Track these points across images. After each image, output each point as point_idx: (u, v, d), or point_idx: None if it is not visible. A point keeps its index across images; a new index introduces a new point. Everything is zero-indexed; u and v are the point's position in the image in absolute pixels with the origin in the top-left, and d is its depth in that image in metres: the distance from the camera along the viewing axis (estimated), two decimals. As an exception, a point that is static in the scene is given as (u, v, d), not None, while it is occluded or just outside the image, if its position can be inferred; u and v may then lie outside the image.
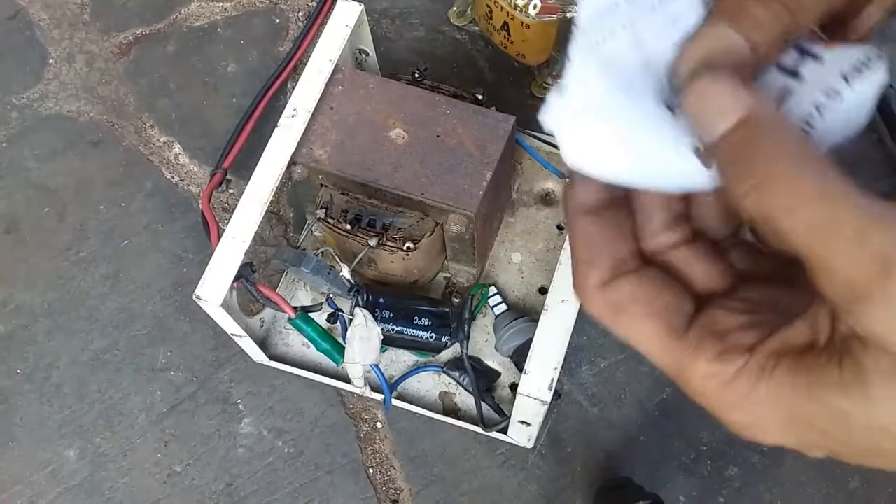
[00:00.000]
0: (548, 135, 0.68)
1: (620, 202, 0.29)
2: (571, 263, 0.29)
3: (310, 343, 0.59)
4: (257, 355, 0.64)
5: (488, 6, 0.69)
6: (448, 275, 0.66)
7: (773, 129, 0.23)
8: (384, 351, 0.63)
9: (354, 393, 0.65)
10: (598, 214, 0.29)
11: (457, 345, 0.62)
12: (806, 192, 0.22)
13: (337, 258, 0.59)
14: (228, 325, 0.57)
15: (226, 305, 0.54)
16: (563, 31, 0.66)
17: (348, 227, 0.58)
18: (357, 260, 0.59)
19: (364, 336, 0.56)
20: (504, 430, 0.60)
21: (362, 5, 0.62)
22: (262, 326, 0.65)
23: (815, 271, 0.22)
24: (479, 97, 0.62)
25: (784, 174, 0.22)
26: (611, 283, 0.28)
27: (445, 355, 0.64)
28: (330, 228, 0.59)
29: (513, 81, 0.75)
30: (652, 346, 0.27)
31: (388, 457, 0.64)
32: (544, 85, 0.73)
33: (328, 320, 0.62)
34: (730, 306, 0.27)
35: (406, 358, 0.64)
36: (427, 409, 0.63)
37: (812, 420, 0.24)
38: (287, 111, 0.59)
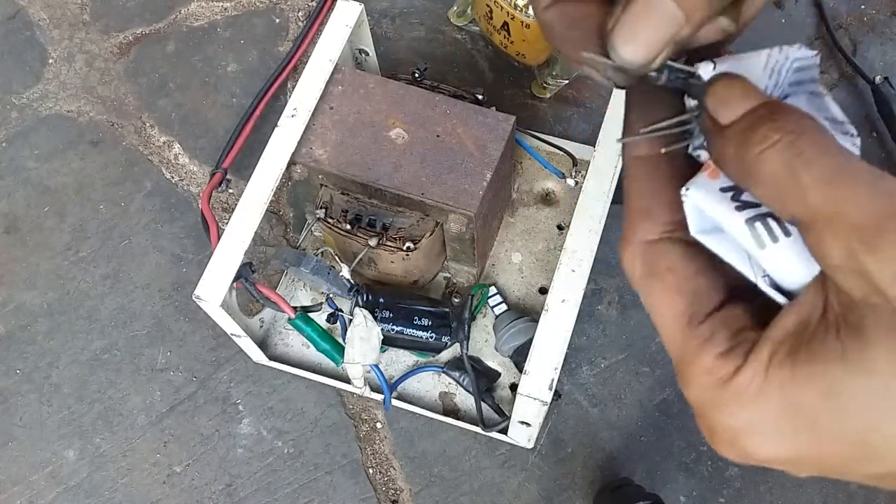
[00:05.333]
0: (548, 135, 0.68)
1: (680, 160, 0.28)
2: (625, 210, 0.28)
3: (309, 343, 0.59)
4: (257, 355, 0.64)
5: (488, 6, 0.69)
6: (448, 275, 0.66)
7: (788, 107, 0.24)
8: (384, 351, 0.63)
9: (354, 393, 0.64)
10: (659, 166, 0.28)
11: (457, 345, 0.62)
12: (823, 148, 0.23)
13: (337, 258, 0.59)
14: (228, 325, 0.57)
15: (225, 305, 0.54)
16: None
17: (348, 227, 0.58)
18: (357, 260, 0.59)
19: (364, 336, 0.56)
20: (504, 431, 0.60)
21: (362, 5, 0.62)
22: (261, 326, 0.65)
23: (821, 232, 0.22)
24: (479, 97, 0.62)
25: (805, 132, 0.23)
26: (658, 242, 0.27)
27: (445, 355, 0.64)
28: (330, 228, 0.59)
29: (513, 81, 0.75)
30: (666, 324, 0.27)
31: (388, 457, 0.64)
32: (544, 85, 0.73)
33: (328, 320, 0.62)
34: (755, 306, 0.26)
35: (406, 358, 0.64)
36: (427, 409, 0.63)
37: (807, 406, 0.23)
38: (287, 111, 0.59)
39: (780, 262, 0.25)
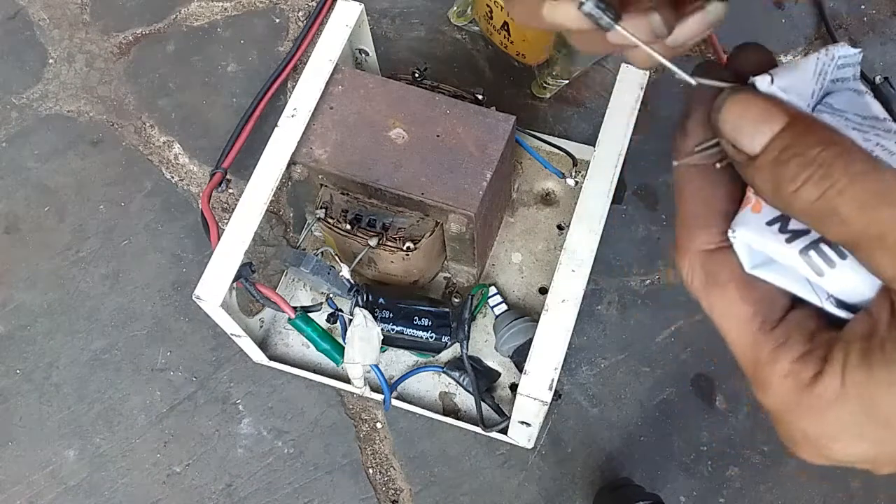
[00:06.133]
0: (548, 135, 0.68)
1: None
2: (679, 217, 0.28)
3: (309, 343, 0.59)
4: (257, 355, 0.64)
5: (488, 6, 0.69)
6: (448, 275, 0.66)
7: (813, 126, 0.24)
8: (384, 351, 0.63)
9: (354, 393, 0.64)
10: (713, 174, 0.27)
11: (457, 345, 0.62)
12: (855, 171, 0.23)
13: (337, 258, 0.59)
14: (228, 325, 0.57)
15: (225, 305, 0.54)
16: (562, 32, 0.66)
17: (348, 227, 0.58)
18: (357, 260, 0.59)
19: (364, 336, 0.56)
20: (504, 431, 0.60)
21: (362, 5, 0.62)
22: (261, 326, 0.65)
23: (870, 251, 0.22)
24: (479, 97, 0.62)
25: (834, 160, 0.23)
26: (716, 252, 0.27)
27: (445, 355, 0.64)
28: (330, 228, 0.59)
29: (513, 81, 0.75)
30: (735, 332, 0.26)
31: (388, 457, 0.64)
32: (544, 85, 0.73)
33: (328, 320, 0.62)
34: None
35: (406, 358, 0.64)
36: (427, 409, 0.63)
37: (886, 412, 0.23)
38: (287, 111, 0.59)
39: (843, 284, 0.25)
